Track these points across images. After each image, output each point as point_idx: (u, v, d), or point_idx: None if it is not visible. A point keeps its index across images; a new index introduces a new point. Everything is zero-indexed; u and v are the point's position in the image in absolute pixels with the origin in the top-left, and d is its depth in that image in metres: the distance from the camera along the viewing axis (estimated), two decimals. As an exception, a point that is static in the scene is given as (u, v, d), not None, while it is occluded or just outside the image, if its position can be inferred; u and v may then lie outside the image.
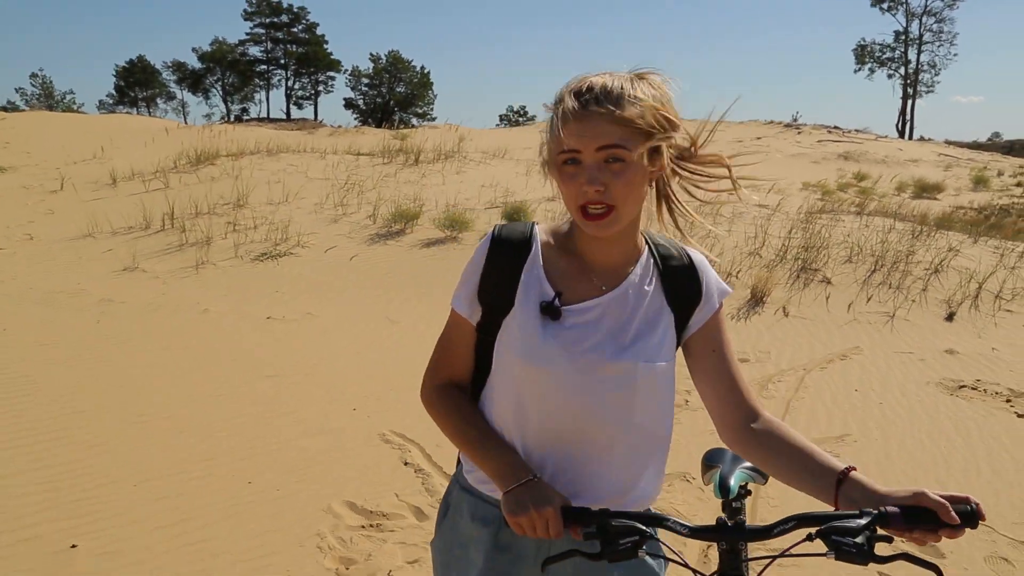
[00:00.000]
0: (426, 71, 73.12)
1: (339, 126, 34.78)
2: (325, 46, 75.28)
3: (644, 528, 1.30)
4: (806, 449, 1.43)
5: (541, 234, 1.57)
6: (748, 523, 1.37)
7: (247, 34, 75.65)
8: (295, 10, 74.06)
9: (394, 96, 72.82)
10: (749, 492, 1.81)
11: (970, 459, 4.63)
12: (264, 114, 73.58)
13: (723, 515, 1.62)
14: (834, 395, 5.63)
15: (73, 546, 3.41)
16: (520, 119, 76.69)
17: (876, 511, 1.25)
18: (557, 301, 1.48)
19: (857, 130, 35.57)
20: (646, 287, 1.53)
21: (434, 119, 69.73)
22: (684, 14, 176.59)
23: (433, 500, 3.96)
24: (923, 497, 1.24)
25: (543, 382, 1.46)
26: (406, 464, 4.36)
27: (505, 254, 1.53)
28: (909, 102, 65.92)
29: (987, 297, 7.87)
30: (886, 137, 36.41)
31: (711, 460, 1.93)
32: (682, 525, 1.31)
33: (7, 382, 5.25)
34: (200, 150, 14.81)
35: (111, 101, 77.07)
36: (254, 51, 75.80)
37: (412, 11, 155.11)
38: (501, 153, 17.49)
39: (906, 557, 1.20)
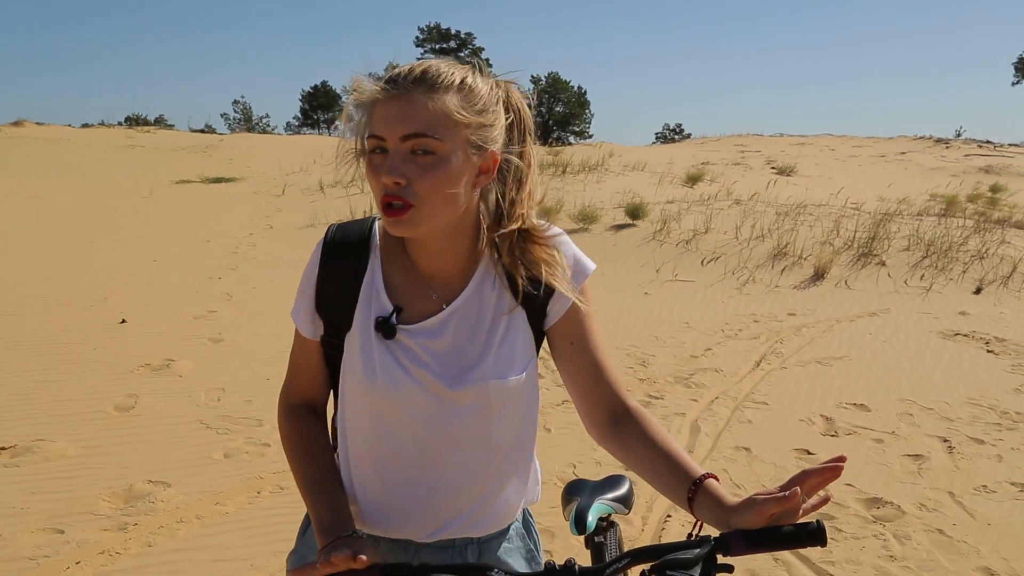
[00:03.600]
0: (583, 91, 76.00)
1: (501, 144, 37.97)
2: (490, 69, 79.47)
3: None
4: (665, 453, 1.31)
5: (382, 235, 1.41)
6: (579, 564, 1.22)
7: (417, 59, 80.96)
8: (462, 36, 78.89)
9: (553, 116, 76.10)
10: (613, 524, 1.81)
11: (928, 374, 6.58)
12: (432, 133, 78.54)
13: (583, 552, 1.55)
14: (851, 335, 7.67)
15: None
16: (675, 136, 78.29)
17: (716, 538, 1.17)
18: (394, 318, 1.33)
19: (1012, 144, 35.33)
20: (490, 290, 1.38)
21: (590, 137, 72.42)
22: (850, 36, 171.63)
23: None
24: (768, 511, 1.13)
25: (388, 407, 1.34)
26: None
27: (339, 263, 1.37)
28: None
29: (1019, 278, 9.55)
30: (1044, 151, 35.84)
31: (571, 492, 1.84)
32: (507, 573, 1.21)
33: (278, 309, 8.12)
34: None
35: (296, 123, 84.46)
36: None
37: (573, 33, 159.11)
38: (640, 166, 19.84)
39: None
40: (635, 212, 12.16)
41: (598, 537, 1.78)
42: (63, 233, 11.95)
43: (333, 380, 1.45)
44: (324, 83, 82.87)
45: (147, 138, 28.48)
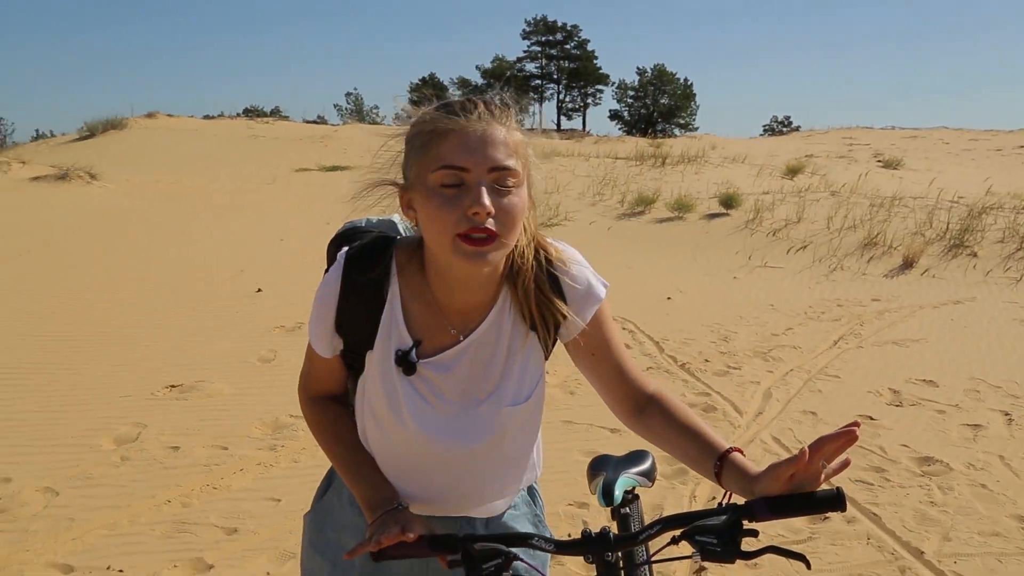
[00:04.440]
0: (689, 83, 75.42)
1: (606, 135, 38.58)
2: (595, 61, 79.77)
3: (507, 549, 1.28)
4: (690, 431, 1.40)
5: (400, 261, 1.42)
6: (614, 531, 1.33)
7: (524, 52, 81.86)
8: (568, 28, 79.25)
9: (658, 107, 75.78)
10: (636, 497, 1.88)
11: (1004, 358, 6.78)
12: (537, 125, 79.29)
13: (608, 524, 1.64)
14: (932, 320, 7.97)
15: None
16: (783, 129, 76.87)
17: (740, 505, 1.24)
18: (413, 354, 1.39)
19: None
20: (505, 320, 1.43)
21: (696, 129, 71.89)
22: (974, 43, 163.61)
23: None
24: (784, 474, 1.21)
25: (408, 434, 1.42)
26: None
27: (360, 290, 1.39)
28: None
29: (1117, 272, 9.59)
30: None
31: (596, 467, 1.92)
32: (547, 541, 1.32)
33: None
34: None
35: (405, 115, 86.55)
36: (530, 67, 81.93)
37: (682, 25, 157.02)
38: (741, 159, 20.06)
39: (773, 550, 1.21)
40: (729, 202, 12.62)
41: (624, 509, 1.85)
42: (201, 216, 13.19)
43: (352, 373, 1.51)
44: (432, 75, 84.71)
45: (266, 129, 30.09)
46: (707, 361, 6.51)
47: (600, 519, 3.94)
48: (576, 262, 1.45)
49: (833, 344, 7.11)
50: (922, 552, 3.63)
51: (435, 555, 1.29)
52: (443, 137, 1.24)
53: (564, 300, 1.42)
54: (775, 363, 6.51)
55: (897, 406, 5.61)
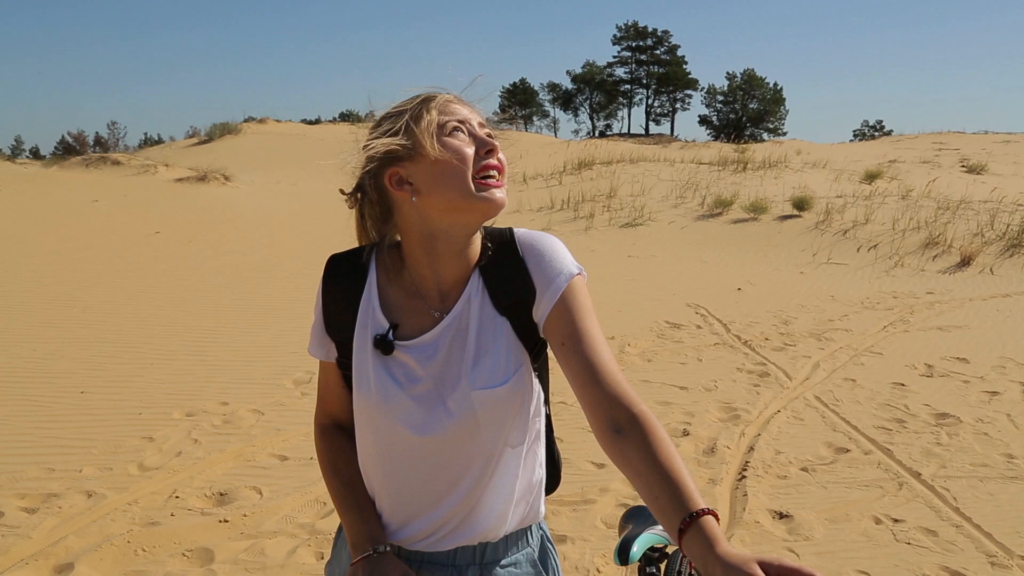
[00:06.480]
0: (779, 87, 75.10)
1: (693, 140, 39.36)
2: (684, 66, 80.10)
3: None
4: (667, 474, 1.19)
5: (380, 258, 1.48)
6: None
7: (614, 57, 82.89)
8: (659, 33, 79.86)
9: (747, 112, 75.66)
10: (665, 555, 1.77)
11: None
12: (625, 130, 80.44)
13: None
14: (978, 311, 8.84)
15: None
16: (874, 133, 75.73)
17: None
18: (390, 335, 1.40)
19: None
20: (476, 299, 1.41)
21: (784, 134, 71.57)
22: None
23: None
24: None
25: (387, 417, 1.41)
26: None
27: (340, 288, 1.46)
28: None
29: None
30: None
31: (626, 520, 1.82)
32: None
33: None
34: (580, 159, 20.04)
35: (495, 119, 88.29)
36: (620, 72, 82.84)
37: (772, 30, 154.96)
38: (822, 164, 20.79)
39: None
40: (801, 204, 13.59)
41: (650, 568, 1.73)
42: (322, 215, 14.79)
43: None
44: (523, 80, 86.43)
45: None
46: (767, 339, 7.60)
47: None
48: (547, 239, 1.46)
49: (882, 328, 8.10)
50: (920, 474, 4.68)
51: None
52: (445, 103, 1.38)
53: (531, 278, 1.40)
54: (827, 342, 7.55)
55: (928, 377, 6.58)
